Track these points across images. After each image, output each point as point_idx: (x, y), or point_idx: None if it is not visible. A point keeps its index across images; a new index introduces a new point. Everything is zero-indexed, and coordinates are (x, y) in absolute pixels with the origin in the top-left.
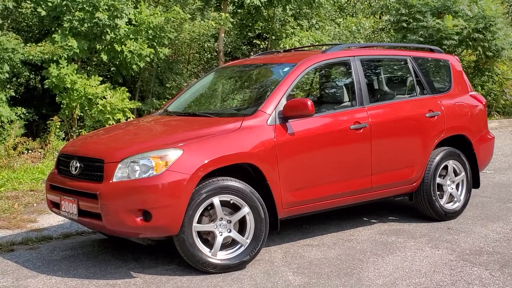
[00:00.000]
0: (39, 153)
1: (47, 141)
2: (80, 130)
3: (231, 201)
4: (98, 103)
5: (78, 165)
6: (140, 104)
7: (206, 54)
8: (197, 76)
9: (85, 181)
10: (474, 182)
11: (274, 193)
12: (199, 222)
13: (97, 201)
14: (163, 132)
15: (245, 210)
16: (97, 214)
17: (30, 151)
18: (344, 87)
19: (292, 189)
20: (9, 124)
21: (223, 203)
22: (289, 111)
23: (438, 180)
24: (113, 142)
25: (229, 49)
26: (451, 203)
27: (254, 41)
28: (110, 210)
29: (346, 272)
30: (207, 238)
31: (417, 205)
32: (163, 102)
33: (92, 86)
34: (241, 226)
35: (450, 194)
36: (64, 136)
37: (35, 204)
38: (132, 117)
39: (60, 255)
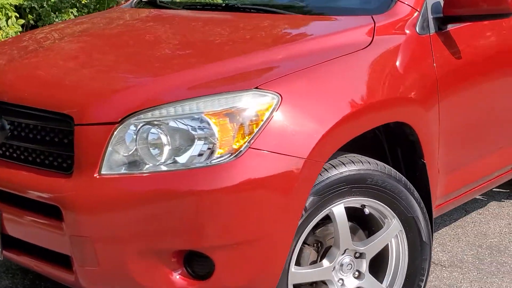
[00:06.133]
0: None
1: None
2: None
3: (365, 210)
4: None
5: (6, 125)
6: None
7: None
8: None
9: (25, 167)
10: None
11: (431, 179)
12: (297, 260)
13: (59, 223)
14: (208, 50)
15: (394, 227)
16: (60, 257)
17: None
18: None
19: (450, 167)
20: None
21: (349, 215)
22: (459, 5)
23: None
24: (88, 70)
25: None
26: None
27: None
28: (101, 250)
29: None
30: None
31: None
32: None
33: None
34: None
35: None
36: None
37: None
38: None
39: None
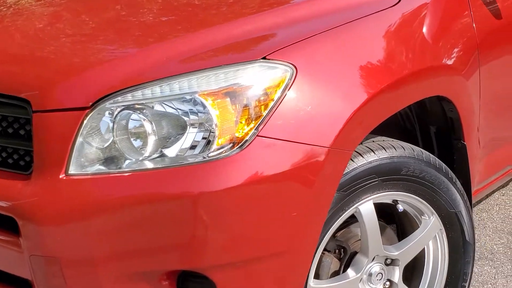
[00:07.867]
0: None
1: None
2: None
3: (398, 207)
4: None
5: None
6: None
7: None
8: None
9: None
10: None
11: (471, 163)
12: (315, 271)
13: (15, 239)
14: (198, 13)
15: (433, 226)
16: (17, 280)
17: None
18: None
19: (491, 147)
20: None
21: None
22: None
23: None
24: (49, 42)
25: None
26: None
27: None
28: (71, 274)
29: None
30: None
31: None
32: None
33: None
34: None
35: None
36: None
37: None
38: None
39: None
